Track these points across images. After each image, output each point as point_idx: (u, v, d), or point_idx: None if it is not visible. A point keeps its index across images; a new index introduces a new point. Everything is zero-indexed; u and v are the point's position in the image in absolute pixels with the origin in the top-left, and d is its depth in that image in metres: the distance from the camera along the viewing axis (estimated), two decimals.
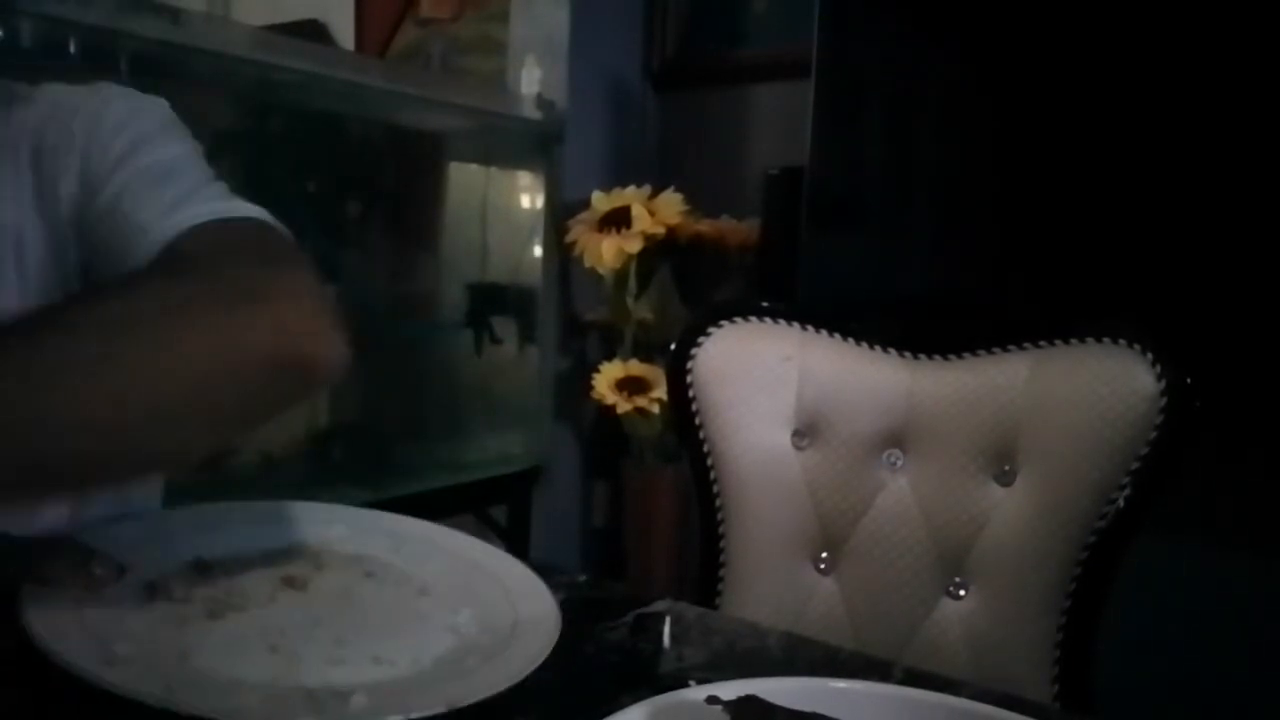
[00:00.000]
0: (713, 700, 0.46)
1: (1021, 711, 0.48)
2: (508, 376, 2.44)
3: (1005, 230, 1.71)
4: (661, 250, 2.14)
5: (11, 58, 1.40)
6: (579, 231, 2.13)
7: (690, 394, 1.08)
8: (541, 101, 2.30)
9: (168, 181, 0.73)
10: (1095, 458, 0.93)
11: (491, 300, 2.39)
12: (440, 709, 0.52)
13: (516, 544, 2.29)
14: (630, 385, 2.10)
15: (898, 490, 1.04)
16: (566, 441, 2.44)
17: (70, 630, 0.55)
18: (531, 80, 2.32)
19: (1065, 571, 0.94)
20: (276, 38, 1.97)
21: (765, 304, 1.09)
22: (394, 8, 2.95)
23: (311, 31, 2.88)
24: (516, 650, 0.59)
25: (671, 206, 2.10)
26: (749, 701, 0.45)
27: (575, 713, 0.51)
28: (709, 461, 1.08)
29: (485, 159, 2.45)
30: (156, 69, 1.61)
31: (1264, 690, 1.46)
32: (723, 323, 1.08)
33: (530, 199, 2.42)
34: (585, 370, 2.23)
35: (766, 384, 1.07)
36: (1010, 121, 1.70)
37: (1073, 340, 0.98)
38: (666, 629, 0.70)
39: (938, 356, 1.05)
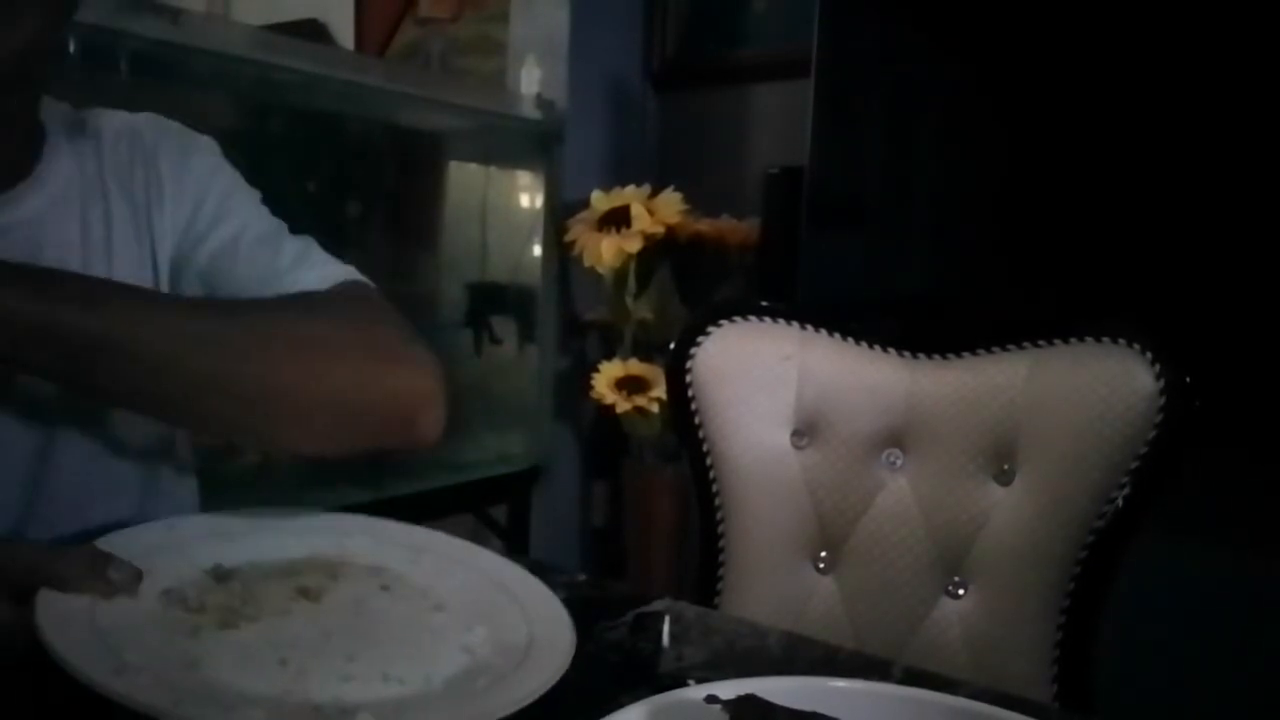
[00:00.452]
0: (712, 699, 0.46)
1: (1021, 711, 0.48)
2: (507, 376, 2.44)
3: (1005, 230, 1.71)
4: (661, 250, 2.14)
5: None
6: (579, 231, 2.13)
7: (690, 393, 1.08)
8: (541, 101, 2.30)
9: (278, 240, 0.82)
10: (1095, 457, 0.93)
11: (491, 300, 2.39)
12: None
13: (516, 544, 2.29)
14: (630, 385, 2.10)
15: (897, 490, 1.04)
16: (566, 441, 2.44)
17: (82, 635, 0.54)
18: (531, 80, 2.32)
19: (1065, 571, 0.94)
20: (276, 38, 1.97)
21: (765, 304, 1.09)
22: (394, 8, 2.95)
23: (311, 31, 2.88)
24: (527, 674, 0.58)
25: (671, 206, 2.10)
26: (748, 701, 0.45)
27: (575, 712, 0.51)
28: (709, 461, 1.08)
29: (485, 159, 2.45)
30: (156, 69, 1.61)
31: (1264, 690, 1.46)
32: (722, 322, 1.08)
33: (530, 199, 2.42)
34: (585, 370, 2.23)
35: (766, 383, 1.07)
36: (1010, 121, 1.70)
37: (1072, 340, 0.98)
38: (666, 629, 0.70)
39: (937, 356, 1.05)
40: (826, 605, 1.06)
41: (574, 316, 2.39)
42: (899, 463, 1.04)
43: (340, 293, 0.78)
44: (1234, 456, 1.40)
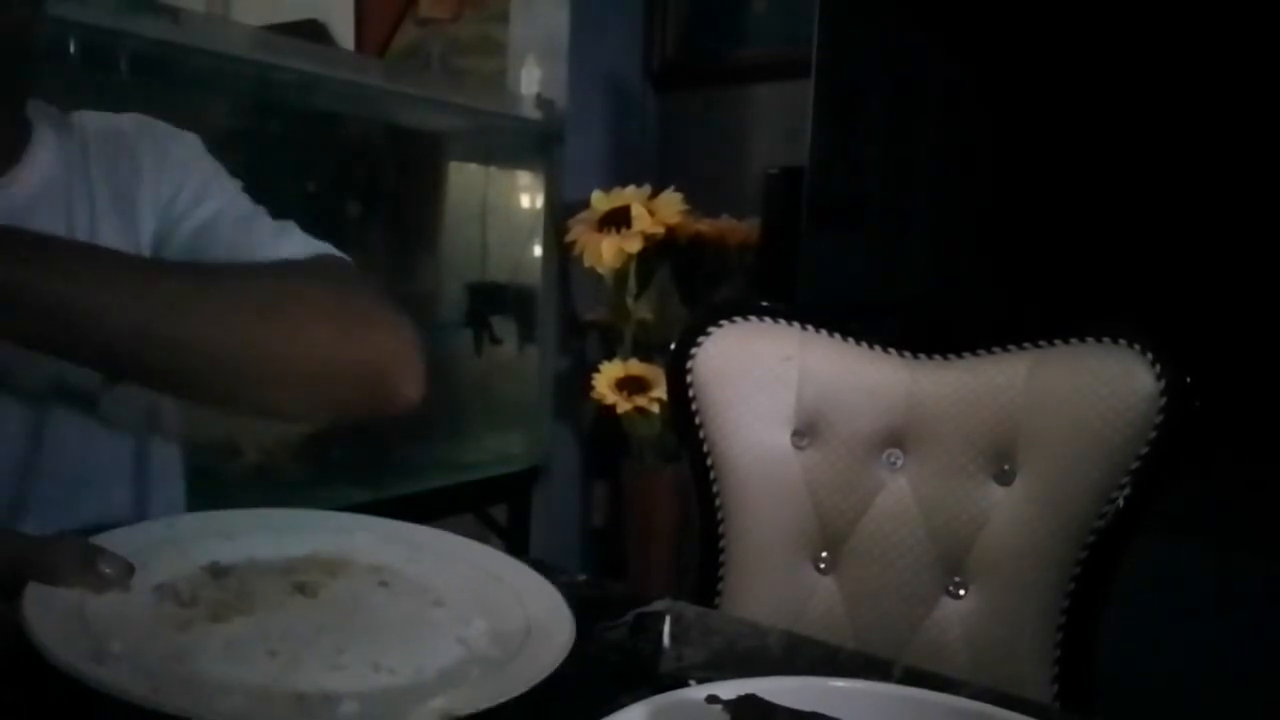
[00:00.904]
0: (712, 699, 0.46)
1: (1021, 711, 0.48)
2: (508, 376, 2.44)
3: (1005, 230, 1.71)
4: (661, 250, 2.14)
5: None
6: (579, 231, 2.13)
7: (690, 394, 1.08)
8: (541, 101, 2.30)
9: (257, 219, 0.84)
10: (1095, 457, 0.93)
11: (491, 300, 2.39)
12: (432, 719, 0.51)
13: (516, 544, 2.29)
14: (630, 385, 2.10)
15: (897, 490, 1.04)
16: (566, 441, 2.44)
17: (68, 627, 0.54)
18: (531, 80, 2.32)
19: (1065, 571, 0.94)
20: (276, 38, 1.98)
21: (765, 304, 1.09)
22: (394, 8, 2.95)
23: (311, 31, 2.88)
24: (522, 664, 0.58)
25: (671, 206, 2.10)
26: (749, 701, 0.45)
27: (575, 712, 0.51)
28: (709, 461, 1.08)
29: (485, 159, 2.45)
30: (156, 69, 1.61)
31: (1264, 690, 1.46)
32: (723, 322, 1.08)
33: (530, 199, 2.42)
34: (585, 370, 2.23)
35: (766, 384, 1.07)
36: (1010, 121, 1.70)
37: (1072, 340, 0.98)
38: (666, 629, 0.70)
39: (938, 356, 1.05)
40: (826, 605, 1.06)
41: (574, 316, 2.39)
42: (899, 463, 1.04)
43: (316, 261, 0.80)
44: (1234, 456, 1.40)
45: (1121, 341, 0.95)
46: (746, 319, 1.09)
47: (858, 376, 1.06)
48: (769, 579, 1.07)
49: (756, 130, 2.36)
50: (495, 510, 2.32)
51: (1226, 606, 1.51)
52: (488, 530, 2.29)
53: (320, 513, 0.78)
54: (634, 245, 2.05)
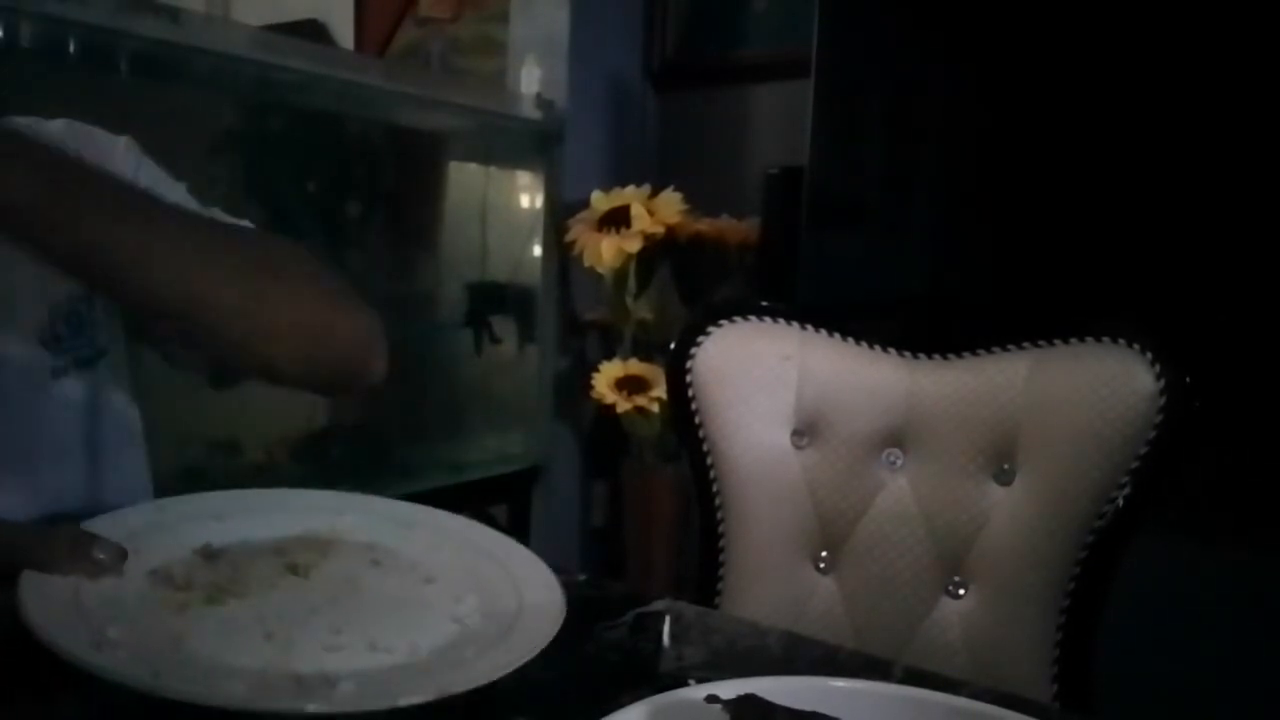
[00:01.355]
0: (712, 699, 0.46)
1: (1021, 711, 0.48)
2: (508, 376, 2.44)
3: (1005, 230, 1.71)
4: (661, 250, 2.14)
5: (11, 58, 1.40)
6: (579, 231, 2.13)
7: (690, 393, 1.08)
8: (541, 101, 2.30)
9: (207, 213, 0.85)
10: (1095, 457, 0.93)
11: (491, 300, 2.39)
12: (430, 697, 0.51)
13: None
14: (630, 385, 2.10)
15: (897, 490, 1.04)
16: (566, 441, 2.44)
17: (65, 613, 0.54)
18: (531, 80, 2.32)
19: (1065, 571, 0.94)
20: (276, 38, 1.98)
21: (765, 304, 1.09)
22: (394, 8, 2.95)
23: (311, 31, 2.88)
24: (516, 641, 0.58)
25: (671, 206, 2.10)
26: (748, 700, 0.45)
27: (575, 712, 0.51)
28: (709, 461, 1.08)
29: (485, 159, 2.45)
30: (156, 69, 1.61)
31: (1264, 689, 1.46)
32: (722, 322, 1.08)
33: (530, 199, 2.42)
34: (585, 370, 2.23)
35: (766, 384, 1.07)
36: (1010, 122, 1.70)
37: (1072, 340, 0.98)
38: (666, 628, 0.70)
39: (937, 356, 1.05)
40: (826, 605, 1.06)
41: (574, 316, 2.39)
42: (899, 463, 1.04)
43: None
44: (1234, 456, 1.40)
45: (1121, 341, 0.95)
46: (746, 319, 1.09)
47: (858, 376, 1.06)
48: (769, 579, 1.07)
49: (756, 130, 2.36)
50: (495, 510, 2.32)
51: (1226, 606, 1.51)
52: None
53: (309, 492, 0.78)
54: (634, 245, 2.05)
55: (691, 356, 1.08)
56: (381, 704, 0.51)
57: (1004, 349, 1.01)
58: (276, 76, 1.82)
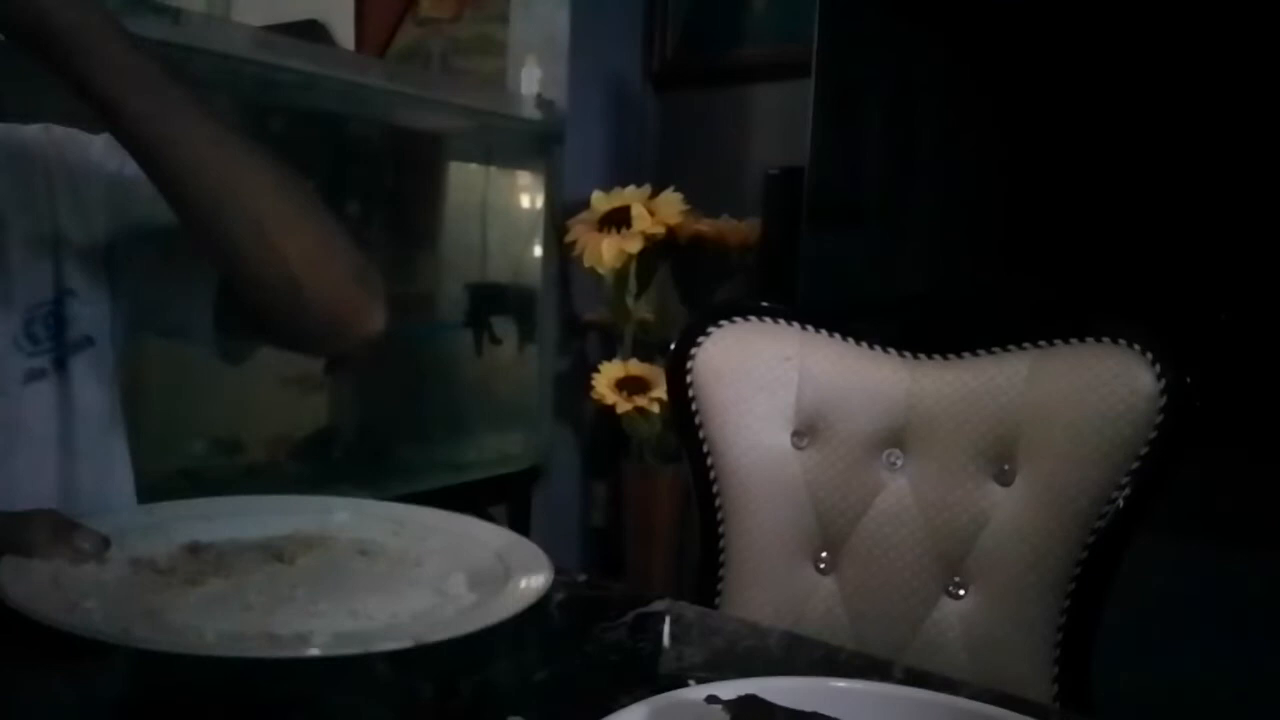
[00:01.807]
0: (712, 700, 0.46)
1: (1021, 711, 0.48)
2: (508, 376, 2.44)
3: (1005, 230, 1.71)
4: (661, 250, 2.14)
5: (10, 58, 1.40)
6: (579, 231, 2.13)
7: (690, 394, 1.08)
8: (541, 101, 2.30)
9: None
10: (1095, 457, 0.93)
11: (491, 300, 2.39)
12: (407, 644, 0.51)
13: None
14: (630, 385, 2.10)
15: (897, 490, 1.04)
16: (566, 441, 2.44)
17: (42, 589, 0.55)
18: (531, 80, 2.32)
19: (1065, 571, 0.94)
20: (276, 38, 1.97)
21: (765, 304, 1.09)
22: (394, 8, 2.95)
23: (311, 31, 2.88)
24: (500, 604, 0.58)
25: (671, 206, 2.10)
26: (749, 701, 0.45)
27: (575, 712, 0.51)
28: (709, 461, 1.07)
29: (485, 159, 2.45)
30: None
31: (1264, 690, 1.46)
32: (722, 323, 1.08)
33: (530, 199, 2.42)
34: (585, 370, 2.23)
35: (766, 384, 1.07)
36: (1010, 121, 1.70)
37: (1073, 340, 0.98)
38: (666, 629, 0.70)
39: (938, 356, 1.05)
40: (826, 605, 1.06)
41: (574, 316, 2.39)
42: (899, 463, 1.04)
43: None
44: (1234, 456, 1.40)
45: (1121, 341, 0.94)
46: (746, 319, 1.09)
47: (858, 376, 1.06)
48: (769, 579, 1.07)
49: (756, 130, 2.36)
50: (495, 510, 2.32)
51: (1226, 606, 1.51)
52: None
53: (300, 496, 0.79)
54: (634, 245, 2.05)
55: (691, 357, 1.08)
56: (356, 650, 0.51)
57: (1004, 349, 1.01)
58: (277, 77, 1.82)
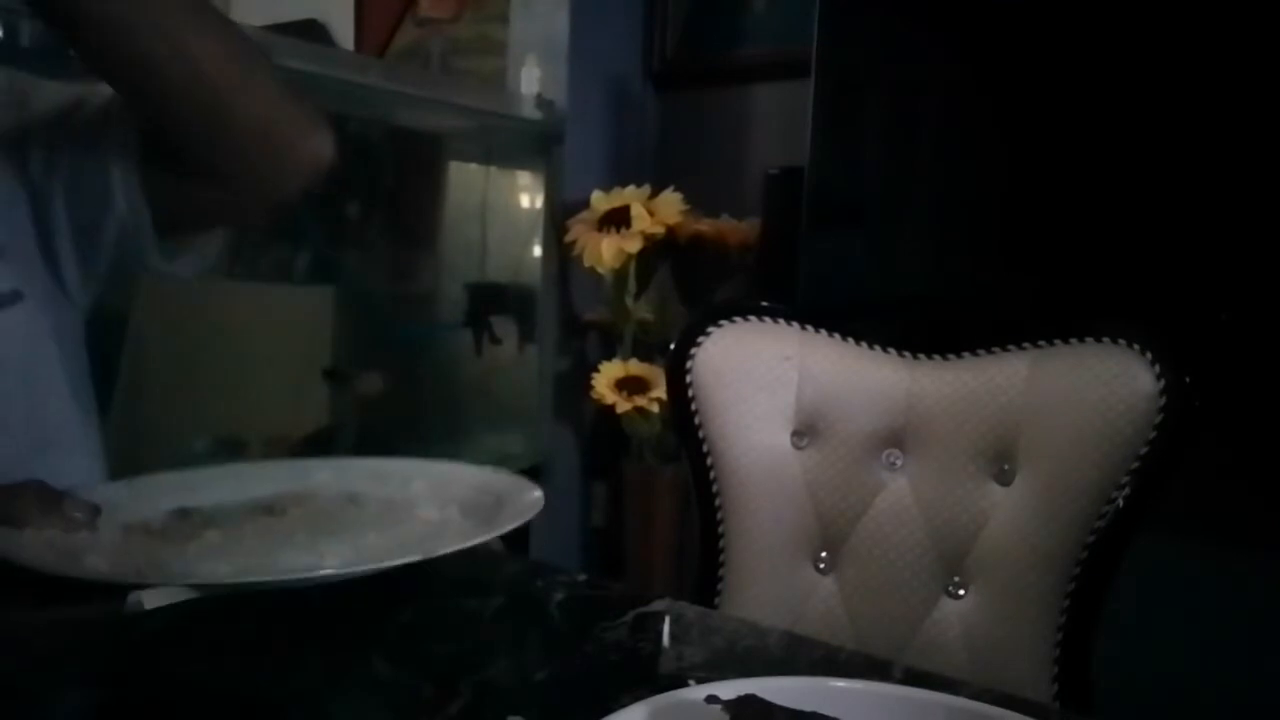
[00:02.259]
0: (712, 699, 0.46)
1: (1021, 711, 0.48)
2: (507, 376, 2.44)
3: (1005, 230, 1.71)
4: (661, 250, 2.14)
5: (11, 57, 1.40)
6: (579, 231, 2.13)
7: (690, 394, 1.08)
8: (541, 101, 2.30)
9: None
10: (1095, 457, 0.93)
11: (491, 300, 2.39)
12: (417, 557, 0.53)
13: (516, 544, 2.29)
14: (630, 385, 2.10)
15: (897, 490, 1.04)
16: (566, 441, 2.44)
17: (40, 553, 0.55)
18: (531, 80, 2.32)
19: (1065, 571, 0.94)
20: (276, 38, 1.97)
21: (765, 304, 1.09)
22: (394, 8, 2.95)
23: (311, 31, 2.88)
24: (495, 520, 0.61)
25: (671, 206, 2.10)
26: (748, 701, 0.45)
27: (575, 712, 0.51)
28: (708, 461, 1.07)
29: (485, 159, 2.45)
30: None
31: (1264, 690, 1.46)
32: (722, 322, 1.08)
33: (530, 199, 2.42)
34: (585, 370, 2.23)
35: (766, 384, 1.07)
36: (1010, 121, 1.70)
37: (1072, 340, 0.98)
38: (666, 629, 0.70)
39: (937, 356, 1.05)
40: (826, 605, 1.06)
41: (574, 316, 2.39)
42: (899, 463, 1.04)
43: None
44: (1234, 456, 1.40)
45: (1121, 341, 0.95)
46: (746, 319, 1.09)
47: (858, 376, 1.06)
48: (769, 579, 1.07)
49: (756, 130, 2.36)
50: None
51: (1226, 606, 1.51)
52: None
53: (279, 460, 0.81)
54: (634, 245, 2.05)
55: (691, 357, 1.08)
56: (369, 567, 0.53)
57: (1004, 349, 1.01)
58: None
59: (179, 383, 1.72)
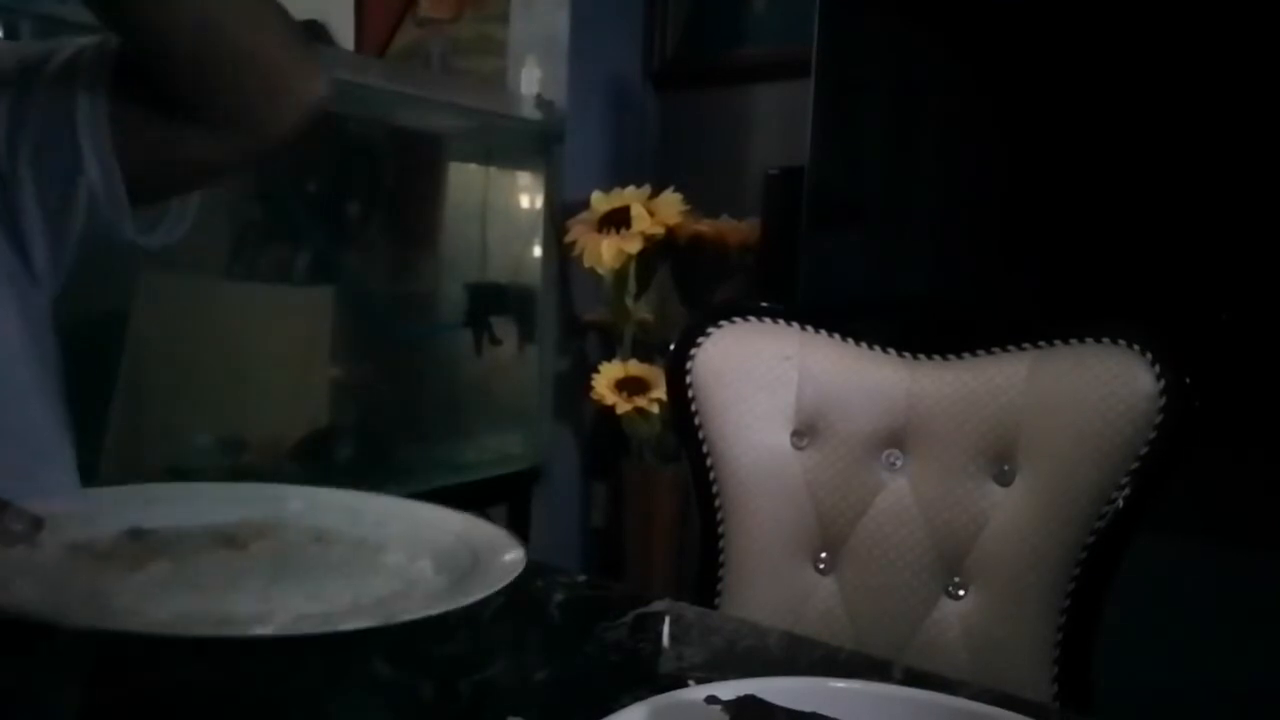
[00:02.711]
0: (712, 700, 0.46)
1: (1021, 711, 0.48)
2: (507, 376, 2.44)
3: (1005, 231, 1.71)
4: (661, 250, 2.14)
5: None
6: (579, 231, 2.13)
7: (690, 394, 1.08)
8: (541, 101, 2.30)
9: None
10: (1095, 457, 0.93)
11: (491, 300, 2.39)
12: (375, 622, 0.48)
13: None
14: (630, 385, 2.10)
15: (897, 490, 1.04)
16: (566, 441, 2.44)
17: None
18: (531, 80, 2.32)
19: (1065, 571, 0.94)
20: None
21: (765, 304, 1.09)
22: (394, 8, 2.95)
23: (311, 32, 2.88)
24: (470, 587, 0.54)
25: (671, 206, 2.10)
26: (748, 701, 0.45)
27: (575, 712, 0.51)
28: (708, 461, 1.07)
29: (485, 159, 2.45)
30: None
31: (1264, 690, 1.46)
32: (722, 323, 1.08)
33: (530, 199, 2.42)
34: (585, 370, 2.23)
35: (766, 384, 1.07)
36: (1010, 121, 1.70)
37: (1072, 340, 0.98)
38: (666, 629, 0.70)
39: (937, 356, 1.05)
40: (826, 605, 1.06)
41: (574, 316, 2.39)
42: (899, 463, 1.04)
43: None
44: (1234, 456, 1.40)
45: (1121, 341, 0.95)
46: (746, 319, 1.09)
47: (858, 376, 1.06)
48: (769, 579, 1.07)
49: (756, 130, 2.36)
50: (495, 510, 2.32)
51: (1226, 606, 1.51)
52: None
53: (250, 484, 0.74)
54: (634, 245, 2.05)
55: (691, 357, 1.08)
56: (317, 629, 0.48)
57: (1004, 349, 1.01)
58: None
59: (179, 383, 1.71)
